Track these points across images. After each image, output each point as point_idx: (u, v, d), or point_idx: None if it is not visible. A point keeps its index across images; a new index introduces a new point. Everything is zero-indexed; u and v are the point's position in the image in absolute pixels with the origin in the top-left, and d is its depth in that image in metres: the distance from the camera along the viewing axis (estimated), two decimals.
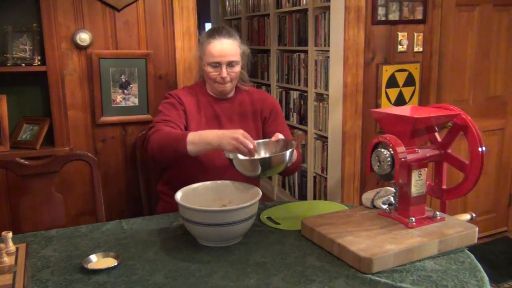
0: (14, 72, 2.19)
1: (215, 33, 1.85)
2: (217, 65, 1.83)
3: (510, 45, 3.22)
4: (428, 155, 1.49)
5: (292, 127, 3.98)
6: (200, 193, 1.60)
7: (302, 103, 3.79)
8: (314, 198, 3.64)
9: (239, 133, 1.54)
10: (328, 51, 3.06)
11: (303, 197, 3.84)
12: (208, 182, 1.64)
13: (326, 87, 3.33)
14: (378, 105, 2.86)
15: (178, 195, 1.49)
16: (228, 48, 1.83)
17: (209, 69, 1.84)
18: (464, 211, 2.13)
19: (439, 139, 1.55)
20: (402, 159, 1.38)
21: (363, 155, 2.86)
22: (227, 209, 1.43)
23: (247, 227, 1.47)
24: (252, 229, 1.53)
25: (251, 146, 1.53)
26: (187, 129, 1.87)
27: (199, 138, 1.62)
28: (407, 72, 2.90)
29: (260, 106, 1.99)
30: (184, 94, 1.92)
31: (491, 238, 3.42)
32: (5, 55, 2.18)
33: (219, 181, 1.65)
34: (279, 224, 1.62)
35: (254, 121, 1.98)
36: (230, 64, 1.84)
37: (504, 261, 3.11)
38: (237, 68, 1.87)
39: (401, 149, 1.38)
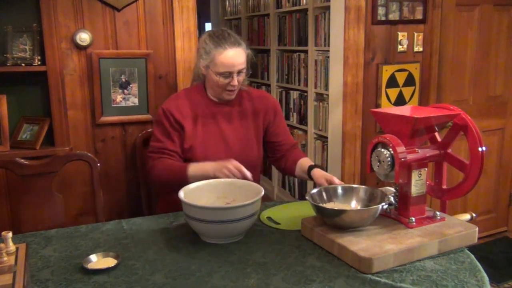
0: (14, 72, 2.19)
1: (223, 40, 1.81)
2: (228, 74, 1.82)
3: (510, 45, 3.22)
4: (428, 155, 1.49)
5: (292, 127, 3.98)
6: (203, 191, 1.61)
7: (302, 103, 3.80)
8: None
9: (230, 164, 1.68)
10: (328, 51, 3.06)
11: (303, 197, 3.84)
12: (211, 180, 1.65)
13: (326, 87, 3.33)
14: (378, 105, 2.85)
15: (182, 193, 1.50)
16: (238, 57, 1.82)
17: (220, 78, 1.82)
18: (464, 211, 2.13)
19: (439, 139, 1.55)
20: (402, 159, 1.38)
21: (363, 155, 2.86)
22: (231, 206, 1.45)
23: (250, 224, 1.48)
24: (252, 229, 1.54)
25: (238, 175, 1.67)
26: (182, 139, 1.87)
27: (199, 171, 1.74)
28: (407, 72, 2.90)
29: (262, 106, 1.99)
30: (178, 107, 1.88)
31: (491, 238, 3.42)
32: (5, 55, 2.18)
33: (222, 179, 1.66)
34: (279, 224, 1.62)
35: (254, 121, 1.97)
36: (239, 71, 1.84)
37: (504, 261, 3.11)
38: (244, 75, 1.88)
39: (401, 149, 1.38)
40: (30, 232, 1.62)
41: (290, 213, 1.72)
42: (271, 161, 2.08)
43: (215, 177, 1.68)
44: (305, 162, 1.94)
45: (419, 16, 2.87)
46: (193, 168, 1.75)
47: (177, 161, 1.86)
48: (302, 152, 2.05)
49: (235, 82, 1.83)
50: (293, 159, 1.98)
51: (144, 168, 2.34)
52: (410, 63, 2.90)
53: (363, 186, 1.58)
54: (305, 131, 3.76)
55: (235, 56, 1.81)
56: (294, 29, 3.83)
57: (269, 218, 1.66)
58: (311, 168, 1.86)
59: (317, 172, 1.82)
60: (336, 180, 1.71)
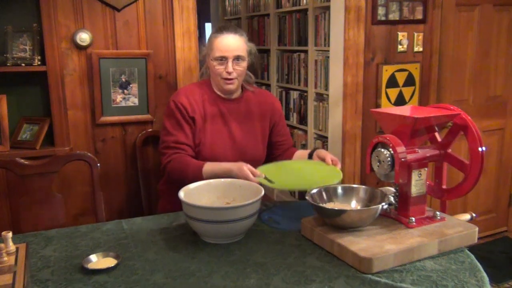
0: (14, 72, 2.19)
1: (222, 29, 1.89)
2: (223, 59, 1.84)
3: (510, 45, 3.22)
4: (428, 155, 1.49)
5: (292, 127, 3.98)
6: (203, 191, 1.61)
7: (302, 103, 3.80)
8: None
9: (245, 169, 1.66)
10: (328, 51, 3.06)
11: (303, 197, 3.84)
12: (211, 180, 1.65)
13: (326, 87, 3.33)
14: (378, 105, 2.86)
15: (182, 193, 1.50)
16: (234, 43, 1.85)
17: (216, 64, 1.85)
18: (464, 211, 2.13)
19: (439, 139, 1.55)
20: (402, 159, 1.38)
21: (363, 155, 2.86)
22: (231, 206, 1.45)
23: (250, 224, 1.48)
24: (252, 229, 1.54)
25: (251, 179, 1.63)
26: (193, 133, 1.88)
27: (213, 173, 1.74)
28: (407, 72, 2.90)
29: (269, 109, 2.02)
30: (189, 99, 1.89)
31: (491, 238, 3.42)
32: (5, 55, 2.18)
33: (222, 179, 1.66)
34: (274, 183, 1.65)
35: (260, 122, 1.99)
36: (236, 59, 1.85)
37: (504, 261, 3.11)
38: (243, 65, 1.88)
39: (401, 149, 1.38)
40: (30, 232, 1.62)
41: (286, 173, 1.78)
42: (269, 159, 2.08)
43: (235, 175, 1.68)
44: (303, 151, 2.01)
45: (419, 16, 2.87)
46: (207, 170, 1.75)
47: (191, 155, 1.86)
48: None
49: (230, 69, 1.83)
50: (289, 154, 2.04)
51: (144, 169, 2.35)
52: (410, 63, 2.90)
53: (363, 186, 1.58)
54: (305, 131, 3.76)
55: (230, 41, 1.84)
56: (294, 29, 3.83)
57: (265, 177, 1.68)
58: (315, 149, 1.90)
59: (322, 151, 1.86)
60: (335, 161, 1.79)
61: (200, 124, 1.88)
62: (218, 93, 1.94)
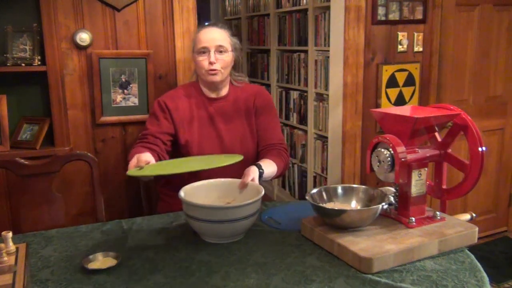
0: (14, 72, 2.19)
1: (206, 25, 1.93)
2: (205, 50, 1.84)
3: (510, 45, 3.22)
4: (428, 155, 1.49)
5: (292, 127, 3.99)
6: (203, 191, 1.61)
7: (302, 103, 3.79)
8: None
9: (134, 157, 1.57)
10: (328, 51, 3.06)
11: (303, 197, 3.84)
12: (212, 180, 1.65)
13: (326, 87, 3.33)
14: (378, 105, 2.86)
15: (182, 193, 1.50)
16: (215, 33, 1.87)
17: (198, 56, 1.86)
18: (464, 211, 2.13)
19: (439, 139, 1.55)
20: (402, 159, 1.38)
21: (363, 155, 2.86)
22: (231, 206, 1.45)
23: (250, 224, 1.49)
24: (252, 229, 1.54)
25: (130, 166, 1.54)
26: (176, 134, 1.87)
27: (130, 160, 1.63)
28: (407, 72, 2.90)
29: (252, 99, 1.98)
30: (173, 99, 1.91)
31: (491, 238, 3.42)
32: (5, 55, 2.18)
33: (223, 179, 1.66)
34: (141, 169, 1.51)
35: (248, 119, 1.96)
36: (218, 50, 1.84)
37: (504, 261, 3.11)
38: (227, 56, 1.87)
39: (401, 149, 1.38)
40: (30, 232, 1.62)
41: (183, 164, 1.67)
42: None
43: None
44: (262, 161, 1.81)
45: (419, 16, 2.87)
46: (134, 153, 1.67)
47: (154, 143, 1.81)
48: (280, 155, 1.91)
49: (212, 59, 1.83)
50: (263, 153, 1.88)
51: None
52: (410, 63, 2.90)
53: (363, 186, 1.58)
54: (305, 131, 3.76)
55: (211, 32, 1.86)
56: (294, 29, 3.83)
57: None
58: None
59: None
60: (248, 179, 1.63)
61: (184, 123, 1.88)
62: (206, 92, 1.93)
